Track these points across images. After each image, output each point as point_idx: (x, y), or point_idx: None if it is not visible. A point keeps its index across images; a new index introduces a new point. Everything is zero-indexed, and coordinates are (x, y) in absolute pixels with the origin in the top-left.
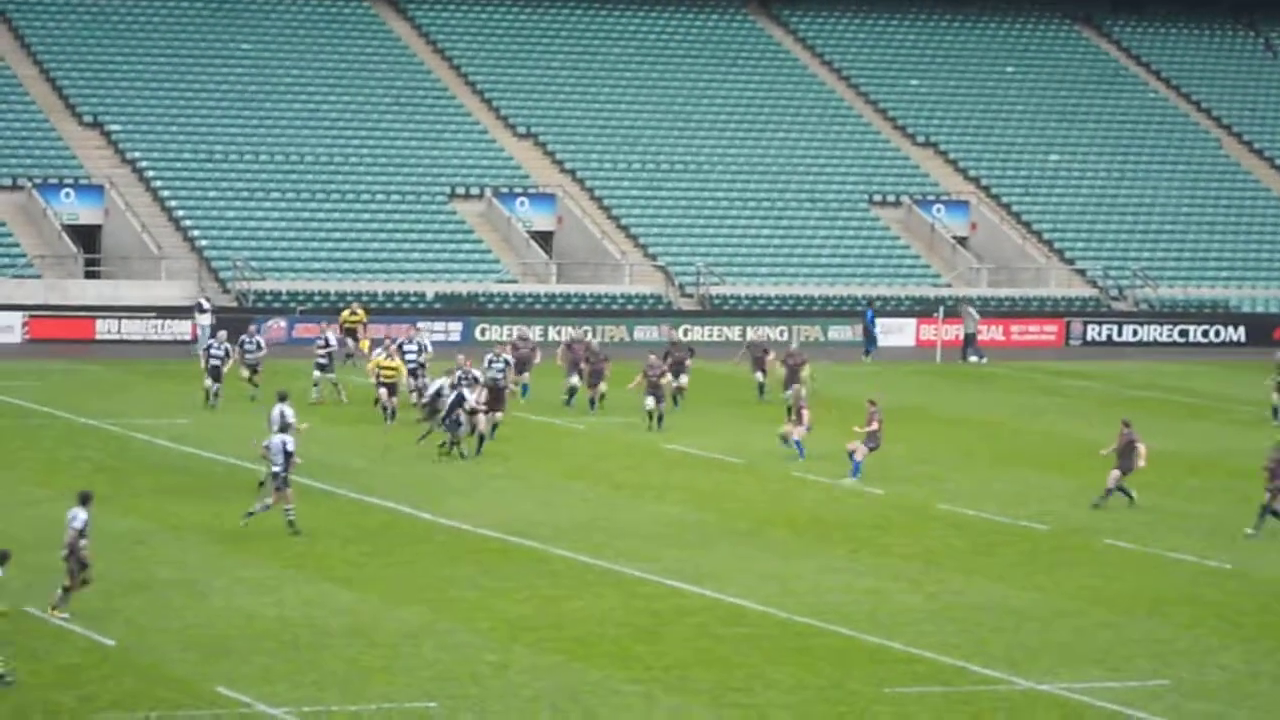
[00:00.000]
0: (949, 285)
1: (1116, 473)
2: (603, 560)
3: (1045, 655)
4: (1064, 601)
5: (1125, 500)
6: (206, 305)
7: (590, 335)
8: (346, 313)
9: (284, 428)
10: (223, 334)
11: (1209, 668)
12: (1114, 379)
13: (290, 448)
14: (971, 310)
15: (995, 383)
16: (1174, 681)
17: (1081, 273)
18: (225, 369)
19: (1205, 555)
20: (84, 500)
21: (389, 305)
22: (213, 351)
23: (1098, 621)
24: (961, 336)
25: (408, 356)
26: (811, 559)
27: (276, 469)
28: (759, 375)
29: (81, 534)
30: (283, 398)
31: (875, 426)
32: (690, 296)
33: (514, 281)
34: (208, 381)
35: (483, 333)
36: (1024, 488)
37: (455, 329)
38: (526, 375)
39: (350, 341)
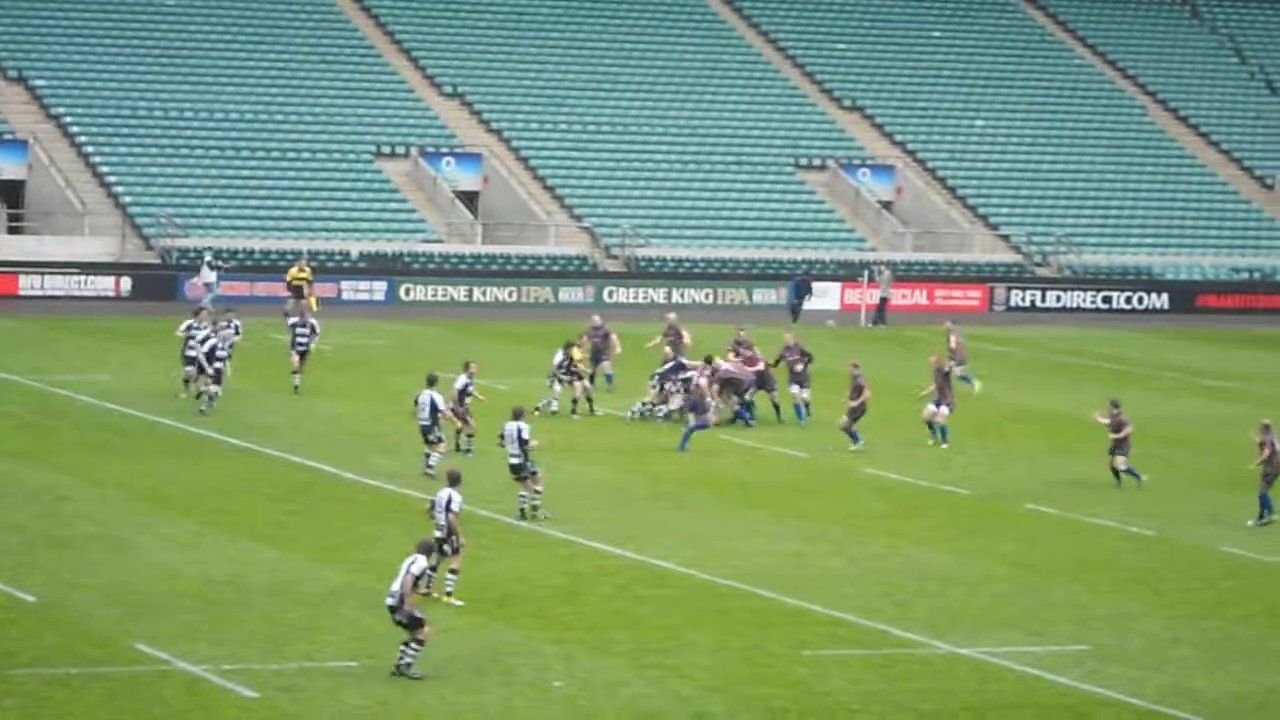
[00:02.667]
0: (874, 250)
1: (1111, 457)
2: (525, 521)
3: (966, 619)
4: (985, 566)
5: (1135, 482)
6: (216, 262)
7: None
8: (294, 270)
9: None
10: (233, 322)
11: (1129, 633)
12: (1037, 345)
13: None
14: (886, 273)
15: (918, 347)
16: (1094, 646)
17: (1006, 238)
18: (226, 366)
19: (1127, 521)
20: None
21: (313, 264)
22: (217, 352)
23: (1019, 586)
24: (876, 300)
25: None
26: (734, 522)
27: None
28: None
29: None
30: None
31: (868, 395)
32: (615, 258)
33: (439, 241)
34: (189, 370)
35: (407, 293)
36: (946, 452)
37: (380, 289)
38: (607, 364)
39: (296, 299)
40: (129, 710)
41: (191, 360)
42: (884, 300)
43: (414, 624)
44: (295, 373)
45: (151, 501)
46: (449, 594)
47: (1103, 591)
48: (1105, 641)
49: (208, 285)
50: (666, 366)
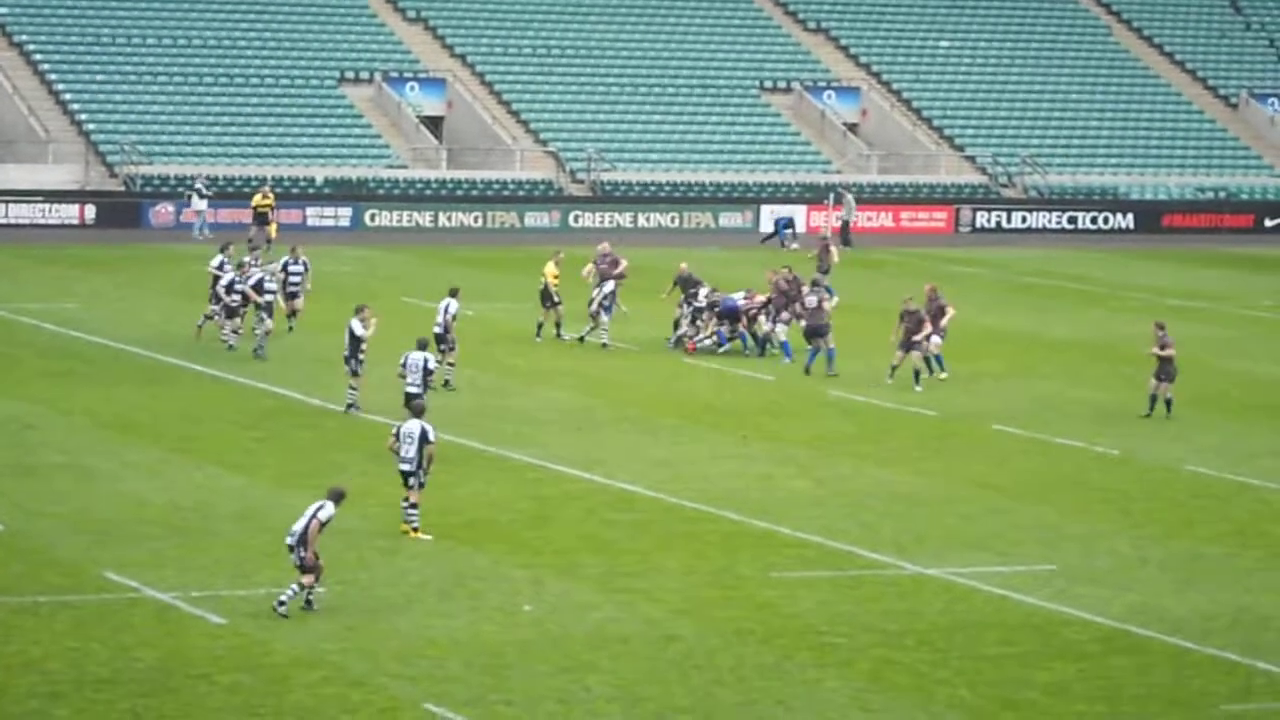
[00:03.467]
0: (839, 172)
1: (1154, 382)
2: (492, 446)
3: (933, 540)
4: (952, 487)
5: (1167, 412)
6: (206, 190)
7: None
8: (258, 197)
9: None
10: (301, 258)
11: (1097, 553)
12: (1003, 266)
13: (432, 366)
14: (848, 197)
15: (885, 269)
16: (1062, 566)
17: (971, 160)
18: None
19: (1094, 441)
20: None
21: (278, 190)
22: (265, 284)
23: (986, 507)
24: (839, 224)
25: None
26: (701, 445)
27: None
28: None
29: None
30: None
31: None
32: (581, 183)
33: (404, 167)
34: (214, 309)
35: (372, 219)
36: (913, 374)
37: (345, 214)
38: (609, 286)
39: (260, 226)
40: (97, 638)
41: (218, 299)
42: (847, 224)
43: (309, 569)
44: (291, 315)
45: (118, 429)
46: (415, 529)
47: (1070, 512)
48: (1073, 561)
49: (199, 214)
50: (603, 292)
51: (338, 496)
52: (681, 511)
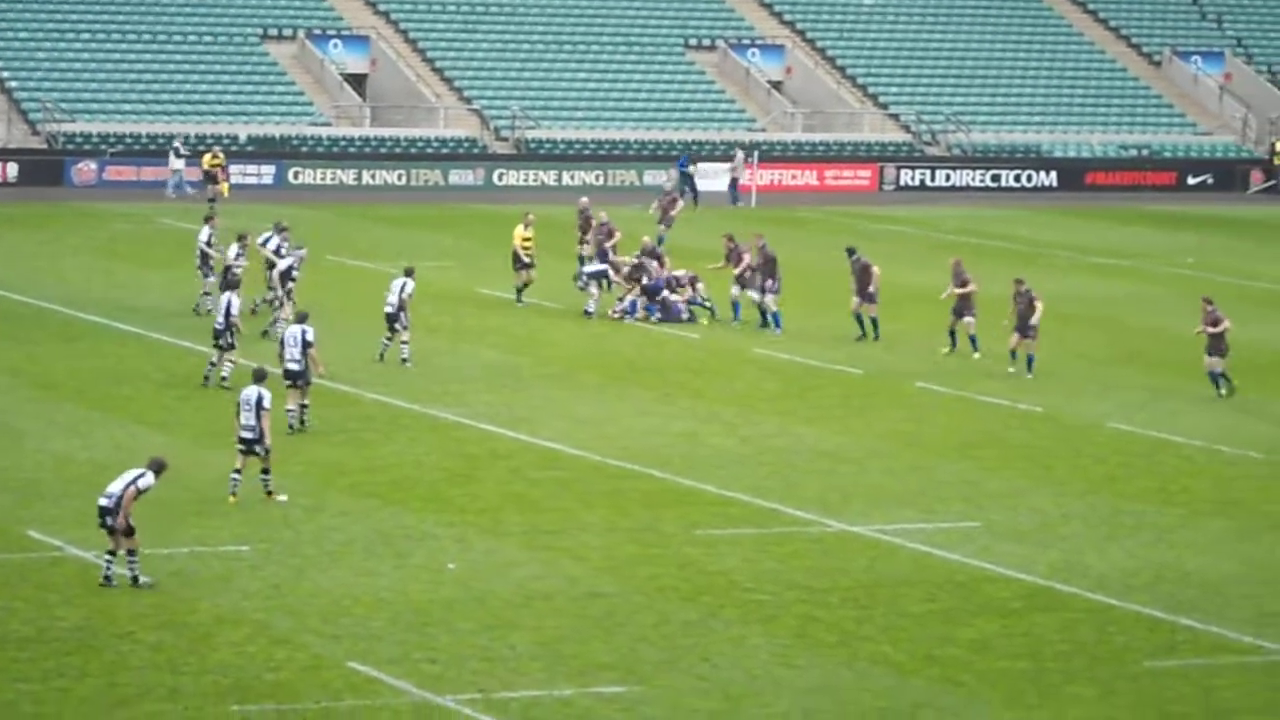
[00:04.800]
0: (764, 130)
1: (1208, 359)
2: (417, 404)
3: (857, 498)
4: (876, 444)
5: (1225, 388)
6: (183, 150)
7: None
8: (208, 157)
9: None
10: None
11: (1020, 510)
12: (927, 224)
13: (310, 338)
14: (739, 154)
15: (810, 227)
16: (985, 523)
17: (895, 118)
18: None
19: (1016, 399)
20: None
21: (200, 148)
22: (233, 264)
23: (909, 464)
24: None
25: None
26: (625, 403)
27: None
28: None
29: None
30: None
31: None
32: (505, 140)
33: (327, 125)
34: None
35: (295, 176)
36: (837, 332)
37: (268, 172)
38: (585, 249)
39: (211, 185)
40: (22, 596)
41: (210, 273)
42: (735, 180)
43: (128, 532)
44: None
45: (41, 388)
46: (269, 493)
47: (993, 469)
48: (996, 518)
49: (175, 172)
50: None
51: (159, 467)
52: (606, 469)
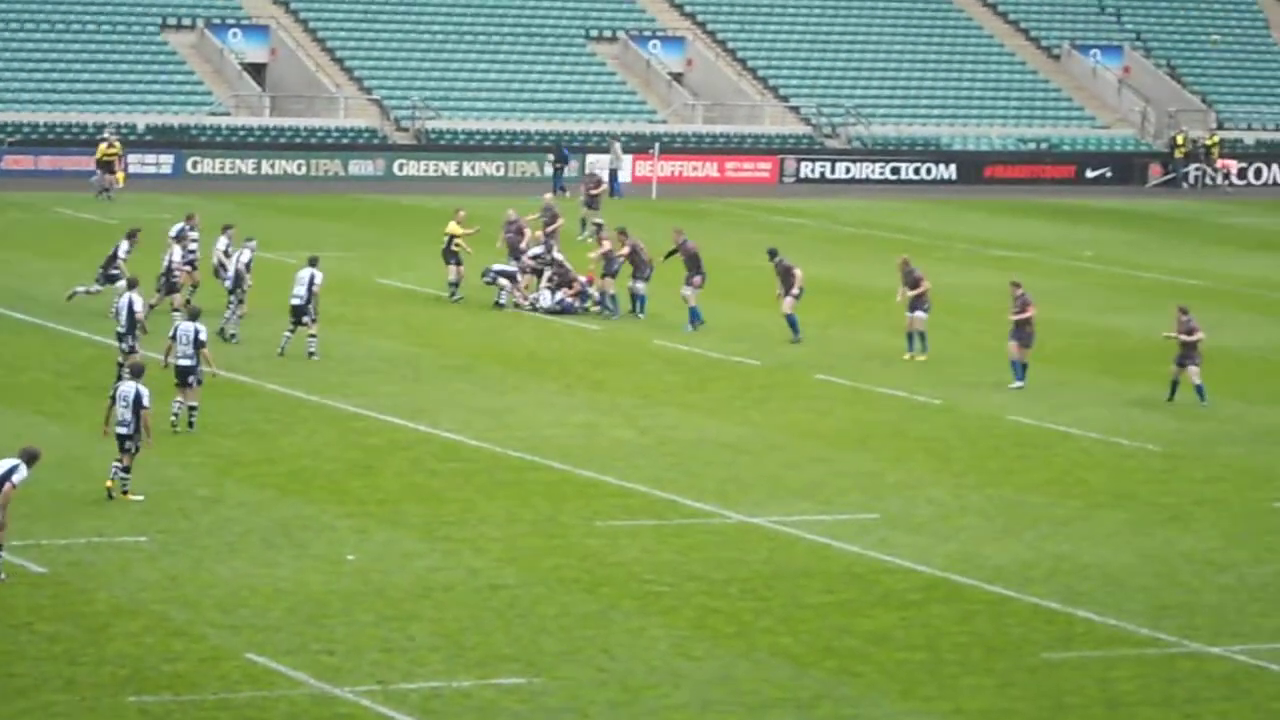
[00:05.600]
0: (664, 122)
1: (1176, 368)
2: (316, 395)
3: (757, 489)
4: (775, 436)
5: (1195, 399)
6: (113, 139)
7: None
8: (103, 146)
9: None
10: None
11: (918, 501)
12: (827, 216)
13: (203, 337)
14: (616, 145)
15: (709, 219)
16: (883, 515)
17: (795, 110)
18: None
19: (915, 391)
20: None
21: (98, 137)
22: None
23: (808, 456)
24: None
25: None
26: (526, 394)
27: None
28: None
29: None
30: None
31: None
32: (406, 131)
33: (226, 114)
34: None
35: (194, 166)
36: (737, 324)
37: (166, 161)
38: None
39: (106, 175)
40: None
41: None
42: (614, 171)
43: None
44: (193, 287)
45: None
46: (125, 492)
47: (891, 460)
48: (894, 510)
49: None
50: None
51: (31, 457)
52: (506, 460)
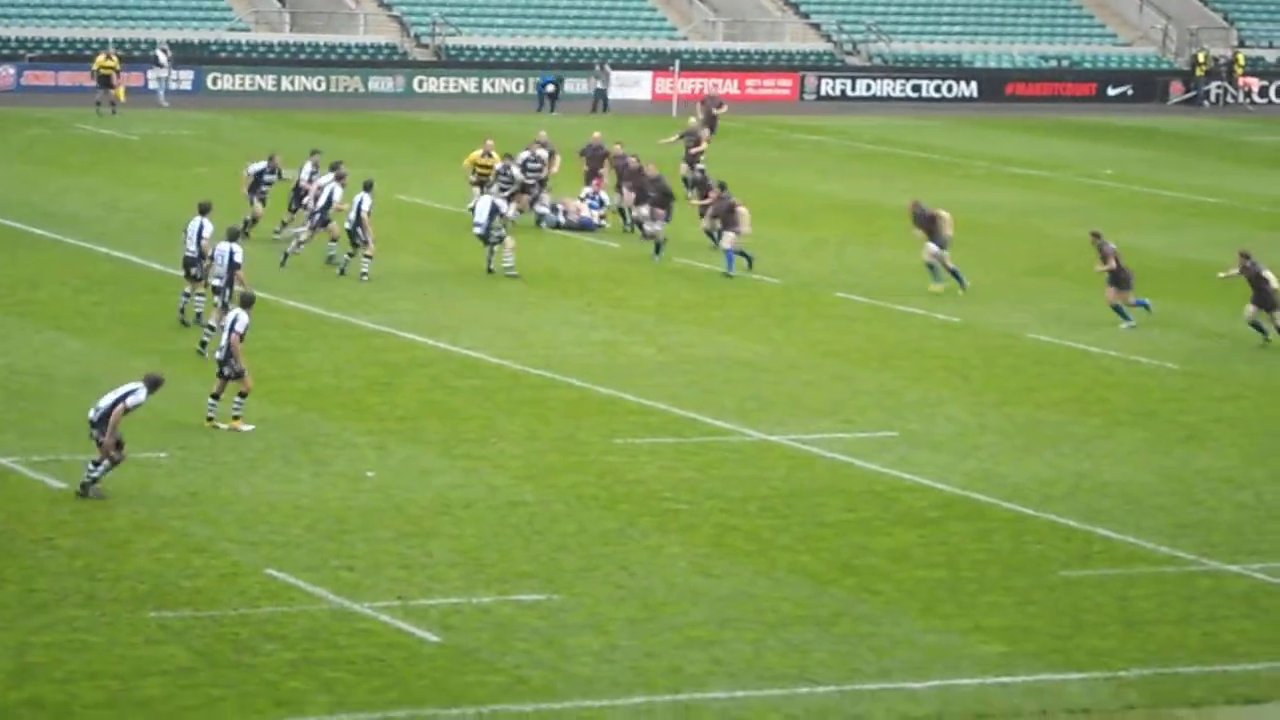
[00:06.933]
0: (685, 38)
1: (1251, 308)
2: (336, 312)
3: (776, 407)
4: (795, 354)
5: (1260, 338)
6: (166, 53)
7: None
8: (101, 59)
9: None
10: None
11: (937, 419)
12: (848, 134)
13: (238, 259)
14: (605, 67)
15: (729, 137)
16: (902, 433)
17: (816, 27)
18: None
19: (934, 309)
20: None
21: (119, 53)
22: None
23: (828, 374)
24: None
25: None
26: (546, 311)
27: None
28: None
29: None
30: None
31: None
32: (426, 47)
33: (246, 30)
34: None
35: (214, 82)
36: (757, 241)
37: (186, 78)
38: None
39: (105, 89)
40: None
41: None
42: (603, 92)
43: (116, 446)
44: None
45: None
46: (236, 418)
47: (911, 378)
48: (913, 428)
49: (160, 80)
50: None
51: (154, 384)
52: (526, 378)
